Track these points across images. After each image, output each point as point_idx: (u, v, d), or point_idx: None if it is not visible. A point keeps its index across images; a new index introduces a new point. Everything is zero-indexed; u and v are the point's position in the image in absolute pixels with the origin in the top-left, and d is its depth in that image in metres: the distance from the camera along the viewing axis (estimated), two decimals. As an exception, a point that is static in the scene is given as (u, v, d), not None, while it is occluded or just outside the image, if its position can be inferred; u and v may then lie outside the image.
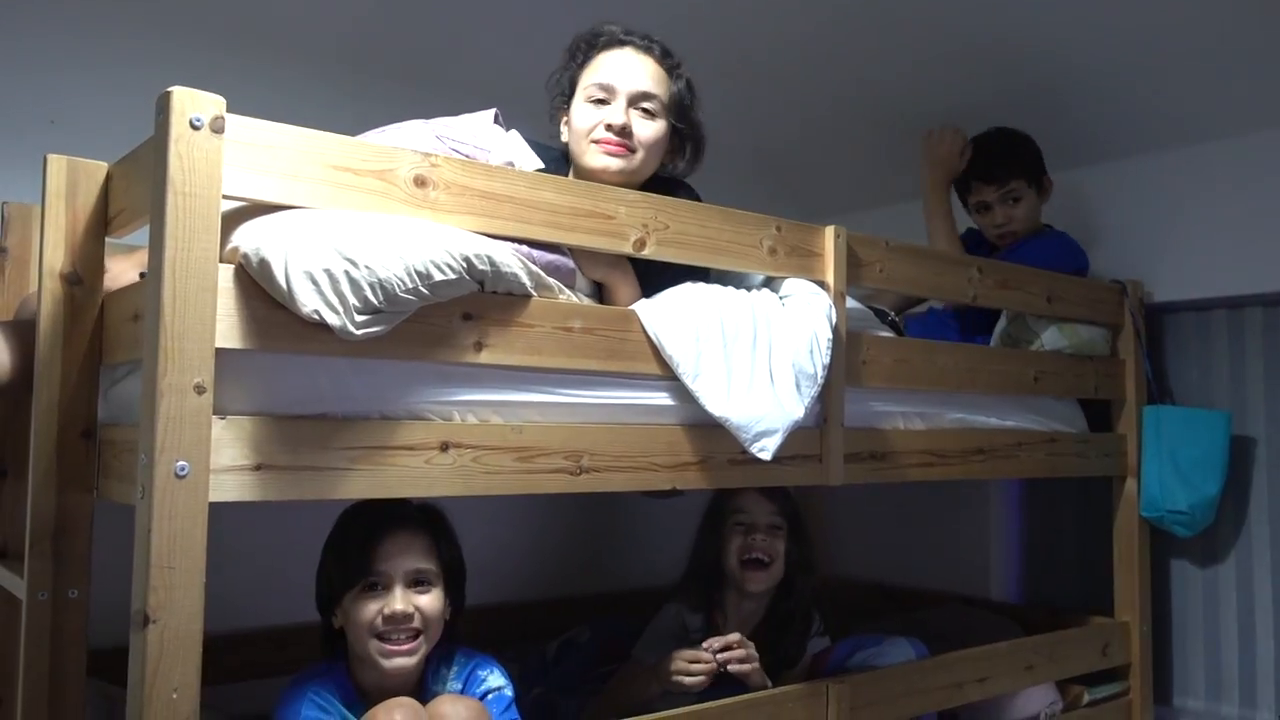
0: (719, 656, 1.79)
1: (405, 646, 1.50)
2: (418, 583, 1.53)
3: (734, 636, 1.83)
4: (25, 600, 1.39)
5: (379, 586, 1.51)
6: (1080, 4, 2.24)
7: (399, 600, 1.50)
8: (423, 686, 1.57)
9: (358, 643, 1.51)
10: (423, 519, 1.59)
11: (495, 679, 1.60)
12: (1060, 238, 2.47)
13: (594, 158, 1.72)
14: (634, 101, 1.73)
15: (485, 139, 1.59)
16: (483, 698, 1.56)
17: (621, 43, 1.76)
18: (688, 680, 1.77)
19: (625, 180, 1.71)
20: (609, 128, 1.71)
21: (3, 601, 1.77)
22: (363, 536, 1.52)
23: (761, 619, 2.06)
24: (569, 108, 1.78)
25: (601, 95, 1.73)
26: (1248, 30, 2.17)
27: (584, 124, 1.73)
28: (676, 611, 2.05)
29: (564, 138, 1.81)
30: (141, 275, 1.58)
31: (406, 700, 1.45)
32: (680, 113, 1.78)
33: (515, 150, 1.63)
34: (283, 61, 2.29)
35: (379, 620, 1.49)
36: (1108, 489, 2.47)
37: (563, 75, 1.81)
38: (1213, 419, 2.36)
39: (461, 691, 1.57)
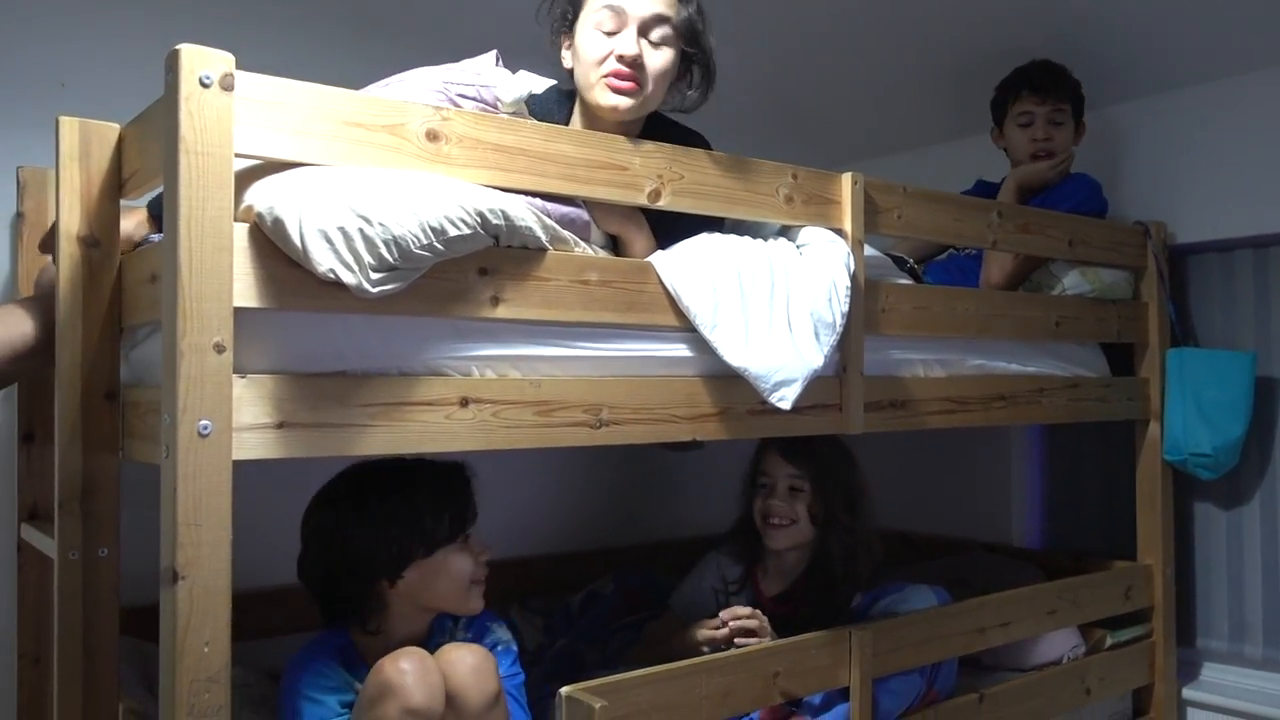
0: (732, 624, 1.81)
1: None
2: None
3: (745, 610, 1.84)
4: (57, 560, 1.42)
5: (468, 541, 1.62)
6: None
7: (478, 545, 1.63)
8: (429, 642, 1.59)
9: (452, 592, 1.59)
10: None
11: (503, 633, 1.65)
12: (1078, 179, 2.43)
13: (603, 94, 1.64)
14: (644, 29, 1.64)
15: (488, 77, 1.57)
16: (491, 649, 1.58)
17: None
18: (705, 649, 1.81)
19: (635, 114, 1.67)
20: (620, 59, 1.63)
21: (36, 562, 1.81)
22: (458, 496, 1.62)
23: (802, 574, 2.06)
24: (572, 32, 1.70)
25: (611, 25, 1.64)
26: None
27: (593, 53, 1.65)
28: (718, 563, 2.07)
29: (566, 64, 1.73)
30: (140, 244, 1.57)
31: (413, 649, 1.47)
32: (691, 37, 1.70)
33: (526, 80, 1.61)
34: (289, 16, 2.27)
35: (478, 569, 1.62)
36: (1130, 433, 2.46)
37: None
38: (1237, 360, 2.33)
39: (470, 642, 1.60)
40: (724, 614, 1.83)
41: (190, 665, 1.15)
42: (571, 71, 1.72)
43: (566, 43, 1.71)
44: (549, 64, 1.75)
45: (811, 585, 2.04)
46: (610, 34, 1.64)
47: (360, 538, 1.56)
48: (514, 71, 1.71)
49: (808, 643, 1.78)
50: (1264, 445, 2.41)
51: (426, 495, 1.58)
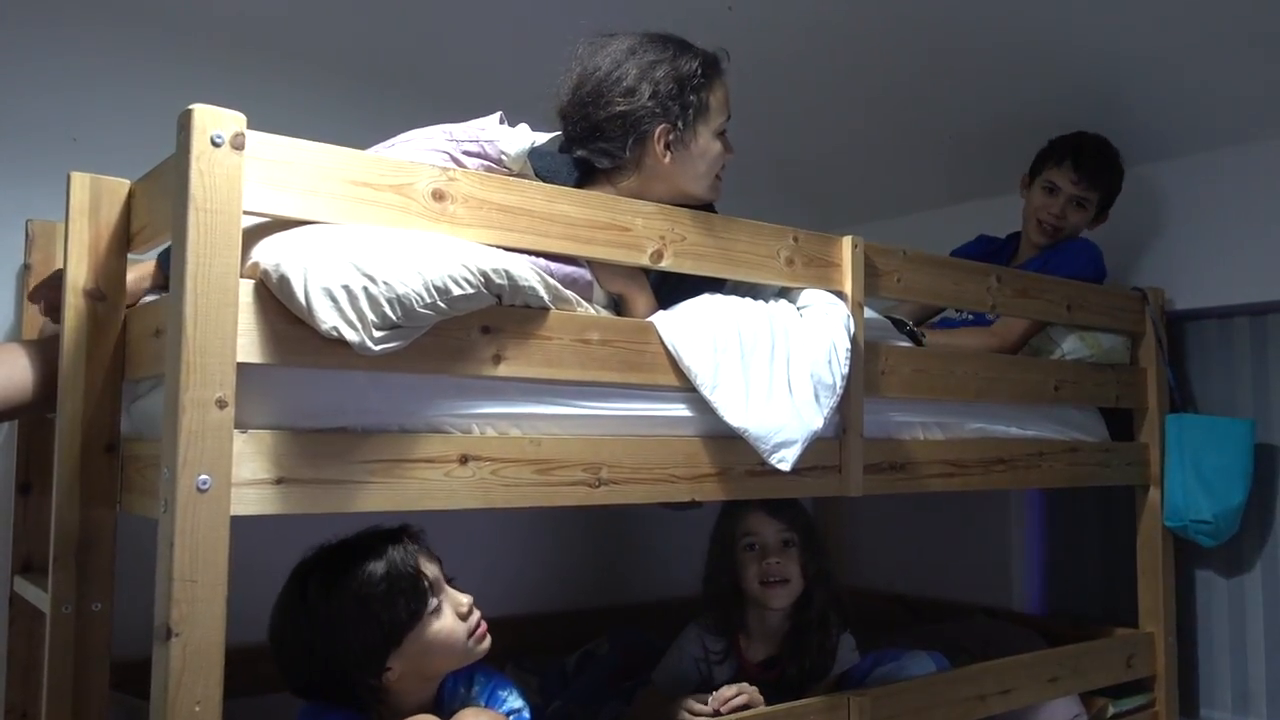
0: (724, 710, 1.76)
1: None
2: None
3: (731, 690, 1.78)
4: (49, 613, 1.40)
5: (439, 605, 1.49)
6: (1098, 11, 2.24)
7: (464, 597, 1.52)
8: (440, 706, 1.55)
9: (450, 656, 1.50)
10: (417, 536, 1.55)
11: (515, 700, 1.59)
12: (1078, 243, 2.45)
13: (715, 192, 1.79)
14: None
15: (491, 132, 1.60)
16: (506, 717, 1.55)
17: (723, 71, 1.77)
18: None
19: None
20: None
21: (28, 615, 1.80)
22: (410, 574, 1.47)
23: (786, 633, 2.03)
24: (685, 126, 1.69)
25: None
26: (1267, 34, 2.16)
27: (716, 164, 1.76)
28: (698, 635, 2.01)
29: (665, 159, 1.69)
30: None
31: (427, 717, 1.44)
32: None
33: (527, 134, 1.64)
34: (298, 74, 2.31)
35: (471, 619, 1.51)
36: (1130, 498, 2.45)
37: (674, 87, 1.67)
38: (1236, 427, 2.34)
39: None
40: (712, 701, 1.77)
41: (181, 724, 1.14)
42: (666, 164, 1.70)
43: (670, 134, 1.69)
44: (548, 120, 1.78)
45: (800, 643, 1.99)
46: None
47: (326, 649, 1.43)
48: (514, 126, 1.74)
49: (805, 709, 1.75)
50: (1264, 513, 2.40)
51: (371, 583, 1.43)
